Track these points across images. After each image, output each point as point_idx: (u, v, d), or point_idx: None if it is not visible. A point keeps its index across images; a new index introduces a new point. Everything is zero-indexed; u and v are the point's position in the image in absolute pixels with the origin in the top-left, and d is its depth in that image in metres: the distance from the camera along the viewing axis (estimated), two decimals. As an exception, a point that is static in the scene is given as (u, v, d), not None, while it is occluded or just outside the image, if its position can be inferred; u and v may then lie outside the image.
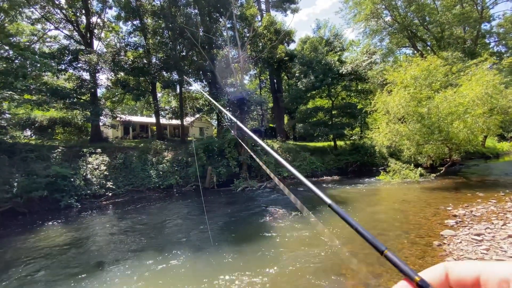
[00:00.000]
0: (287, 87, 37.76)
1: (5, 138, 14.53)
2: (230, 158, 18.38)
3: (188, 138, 27.79)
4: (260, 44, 26.28)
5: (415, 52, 24.93)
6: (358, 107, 25.70)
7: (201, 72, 24.67)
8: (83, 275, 5.45)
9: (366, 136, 31.91)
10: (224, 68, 23.55)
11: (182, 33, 21.55)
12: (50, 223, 10.43)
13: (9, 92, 14.69)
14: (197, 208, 12.28)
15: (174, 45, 23.39)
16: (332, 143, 26.97)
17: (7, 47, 14.88)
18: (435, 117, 14.09)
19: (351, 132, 29.79)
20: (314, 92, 25.43)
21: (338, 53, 30.22)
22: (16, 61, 15.48)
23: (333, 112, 25.63)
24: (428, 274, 0.44)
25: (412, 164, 17.51)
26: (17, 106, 17.13)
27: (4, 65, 13.98)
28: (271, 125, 41.28)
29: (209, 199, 14.39)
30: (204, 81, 27.12)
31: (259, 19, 30.03)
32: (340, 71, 23.94)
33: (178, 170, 18.87)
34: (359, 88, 27.93)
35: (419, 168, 16.65)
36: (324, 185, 16.62)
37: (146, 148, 20.07)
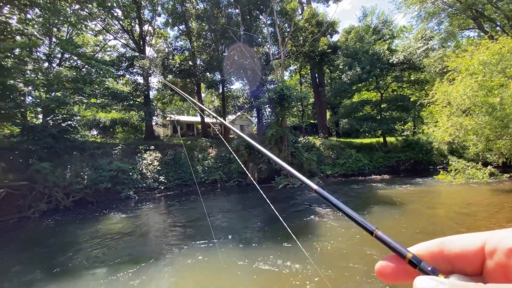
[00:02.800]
0: (329, 81, 36.20)
1: (77, 137, 16.82)
2: (271, 155, 18.40)
3: (230, 136, 28.65)
4: (301, 38, 25.62)
5: (482, 34, 21.51)
6: (411, 99, 23.33)
7: (241, 71, 25.10)
8: (140, 260, 6.00)
9: (420, 131, 28.93)
10: (264, 65, 23.58)
11: (224, 33, 22.20)
12: (113, 211, 11.77)
13: (79, 97, 16.97)
14: (239, 203, 12.60)
15: (217, 46, 24.26)
16: (381, 139, 25.04)
17: (75, 57, 17.13)
18: (510, 107, 11.97)
19: (402, 127, 27.22)
20: (360, 84, 23.85)
21: (388, 41, 27.79)
22: (83, 69, 17.80)
23: (382, 106, 23.70)
24: (420, 249, 0.39)
25: (480, 163, 15.21)
26: (86, 109, 19.66)
27: (74, 73, 16.14)
28: (312, 121, 40.11)
29: (251, 195, 14.63)
30: (244, 79, 27.54)
31: (300, 12, 29.24)
32: (390, 60, 21.96)
33: (221, 166, 19.63)
34: (412, 78, 25.31)
35: (489, 167, 14.39)
36: (373, 185, 15.51)
37: (193, 146, 21.30)
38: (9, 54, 11.23)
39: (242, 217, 9.90)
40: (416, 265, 0.37)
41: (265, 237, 7.41)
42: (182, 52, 25.93)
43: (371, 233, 0.50)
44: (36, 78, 14.25)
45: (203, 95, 33.40)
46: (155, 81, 25.65)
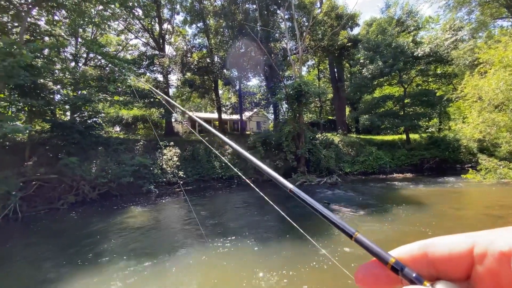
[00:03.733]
0: (349, 75, 35.14)
1: (101, 133, 17.59)
2: (287, 151, 18.20)
3: (247, 132, 28.74)
4: (320, 32, 24.99)
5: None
6: (437, 94, 22.10)
7: (258, 67, 24.96)
8: (157, 252, 6.18)
9: (447, 128, 27.38)
10: (282, 60, 23.28)
11: (241, 30, 22.15)
12: (135, 205, 12.23)
13: (103, 95, 17.70)
14: (255, 199, 12.62)
15: (234, 43, 24.26)
16: (403, 136, 24.00)
17: (99, 57, 17.83)
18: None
19: (427, 124, 25.91)
20: (381, 79, 22.89)
21: (412, 33, 26.40)
22: (107, 68, 18.52)
23: (406, 101, 22.61)
24: (402, 253, 0.37)
25: (514, 162, 14.14)
26: (109, 106, 20.49)
27: (99, 72, 16.83)
28: (330, 117, 39.23)
29: (267, 192, 14.58)
30: (261, 75, 27.39)
31: (319, 5, 28.47)
32: (415, 53, 20.85)
33: (238, 162, 19.74)
34: (439, 71, 23.92)
35: (524, 167, 13.33)
36: (395, 183, 14.92)
37: (210, 142, 21.57)
38: (39, 54, 11.85)
39: (257, 213, 9.91)
40: (399, 271, 0.35)
41: (281, 234, 7.36)
42: (200, 49, 26.24)
43: (350, 236, 0.47)
44: (64, 77, 15.03)
45: (220, 92, 33.68)
46: (174, 78, 26.25)
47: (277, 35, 24.61)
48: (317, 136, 20.51)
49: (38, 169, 12.75)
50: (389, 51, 21.18)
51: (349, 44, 26.34)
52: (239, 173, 2.21)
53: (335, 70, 31.40)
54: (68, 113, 17.12)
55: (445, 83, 24.69)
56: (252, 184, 1.76)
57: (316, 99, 35.18)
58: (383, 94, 26.23)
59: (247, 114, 33.18)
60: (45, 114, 14.96)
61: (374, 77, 22.05)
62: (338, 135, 24.82)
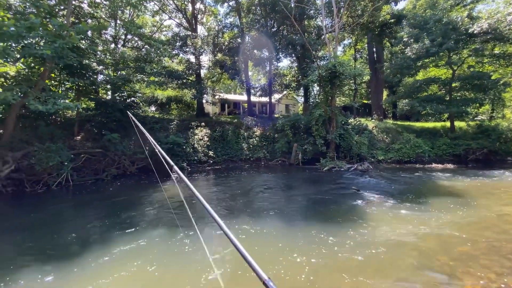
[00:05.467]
0: (389, 56, 32.44)
1: (139, 112, 18.65)
2: (316, 136, 17.74)
3: (275, 115, 28.46)
4: (359, 7, 23.07)
5: None
6: (492, 77, 19.52)
7: (290, 47, 24.05)
8: (190, 225, 6.58)
9: (500, 116, 24.42)
10: (316, 39, 22.11)
11: (274, 7, 21.30)
12: (169, 180, 13.01)
13: (140, 75, 18.56)
14: (282, 181, 12.71)
15: (266, 21, 23.51)
16: (447, 124, 21.95)
17: (136, 38, 18.49)
18: None
19: (477, 111, 23.34)
20: (427, 60, 20.68)
21: (468, 7, 23.16)
22: (143, 49, 19.21)
23: (453, 85, 20.34)
24: None
25: None
26: (146, 86, 21.49)
27: (136, 53, 17.55)
28: (365, 101, 37.12)
29: (294, 175, 14.60)
30: (293, 55, 26.43)
31: (360, -22, 26.05)
32: (470, 30, 18.35)
33: (265, 145, 19.88)
34: (497, 51, 20.93)
35: None
36: (433, 174, 13.93)
37: (239, 124, 21.85)
38: (83, 36, 12.61)
39: (282, 194, 9.99)
40: None
41: (306, 217, 7.39)
42: (232, 29, 25.90)
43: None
44: (105, 58, 15.97)
45: (250, 73, 33.37)
46: (205, 59, 26.50)
47: (312, 11, 23.27)
48: (349, 121, 19.61)
49: (85, 143, 14.09)
50: (438, 28, 18.90)
51: (392, 20, 24.00)
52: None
53: (374, 49, 29.10)
54: (110, 93, 18.35)
55: (504, 65, 21.60)
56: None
57: (351, 81, 33.32)
58: (428, 76, 23.83)
59: (276, 96, 32.67)
60: (90, 93, 16.21)
61: (419, 57, 20.00)
62: (373, 120, 23.50)
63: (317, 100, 20.72)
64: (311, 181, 12.94)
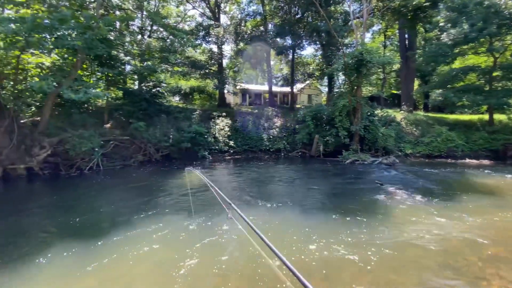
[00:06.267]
0: (423, 42, 30.08)
1: (163, 102, 19.25)
2: (340, 127, 17.15)
3: (297, 106, 27.91)
4: (391, -10, 21.45)
5: None
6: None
7: (315, 34, 23.16)
8: (209, 211, 6.76)
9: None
10: (342, 25, 21.04)
11: (298, -8, 20.50)
12: (191, 168, 13.44)
13: (165, 66, 19.02)
14: (302, 173, 12.55)
15: (290, 8, 22.77)
16: (485, 117, 20.13)
17: (161, 29, 18.84)
18: None
19: (521, 102, 21.14)
20: (465, 46, 18.83)
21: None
22: (168, 40, 19.57)
23: (494, 74, 18.41)
24: None
25: None
26: (170, 76, 22.02)
27: (161, 44, 17.93)
28: (394, 91, 35.09)
29: (315, 167, 14.32)
30: (318, 43, 25.48)
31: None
32: (518, 12, 16.33)
33: (286, 136, 19.66)
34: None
35: None
36: (467, 170, 12.94)
37: (259, 114, 21.76)
38: (112, 28, 13.10)
39: (302, 186, 9.87)
40: None
41: (323, 210, 7.24)
42: (254, 17, 25.44)
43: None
44: (132, 48, 16.53)
45: (272, 62, 32.82)
46: (227, 49, 26.45)
47: (339, -4, 22.10)
48: (376, 112, 18.68)
49: (114, 131, 14.88)
50: (479, 11, 17.00)
51: (427, 4, 22.04)
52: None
53: (406, 36, 27.11)
54: (136, 83, 19.07)
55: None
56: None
57: (379, 70, 31.50)
58: (465, 65, 21.79)
59: (298, 86, 31.93)
60: (119, 83, 16.97)
61: (456, 44, 18.26)
62: (402, 111, 22.18)
63: (341, 89, 19.91)
64: (332, 174, 12.64)
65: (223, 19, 26.31)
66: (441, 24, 19.83)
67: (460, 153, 16.96)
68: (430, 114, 23.42)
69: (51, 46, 8.42)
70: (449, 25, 18.71)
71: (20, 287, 3.78)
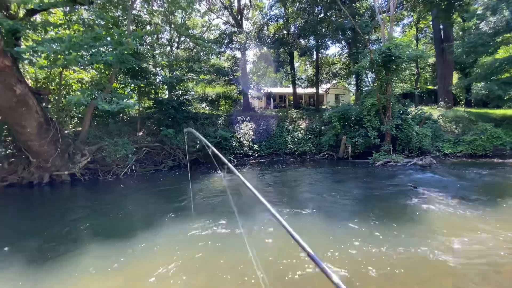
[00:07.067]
0: (460, 33, 27.68)
1: (191, 109, 20.02)
2: (369, 127, 16.34)
3: (323, 106, 27.25)
4: (421, -20, 20.16)
5: None
6: None
7: (339, 32, 22.52)
8: (240, 212, 6.82)
9: None
10: (368, 21, 20.19)
11: (320, -8, 20.17)
12: (218, 172, 13.77)
13: (191, 74, 19.83)
14: (328, 176, 12.15)
15: (312, 9, 22.49)
16: (539, 110, 17.85)
17: (188, 40, 19.73)
18: None
19: None
20: (508, 35, 16.96)
21: None
22: (194, 50, 20.43)
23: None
24: None
25: None
26: (196, 84, 22.89)
27: (188, 54, 18.76)
28: (430, 87, 32.69)
29: (342, 170, 13.79)
30: (343, 41, 24.74)
31: None
32: None
33: (311, 138, 19.25)
34: None
35: None
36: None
37: (284, 117, 21.63)
38: (142, 42, 14.06)
39: (328, 190, 9.54)
40: None
41: (349, 215, 6.91)
42: (276, 20, 25.54)
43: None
44: (162, 60, 17.54)
45: (296, 64, 32.54)
46: (251, 54, 26.83)
47: (363, -8, 21.31)
48: (409, 110, 17.53)
49: (146, 138, 15.81)
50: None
51: (463, -10, 20.32)
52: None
53: (441, 27, 25.18)
54: (166, 92, 20.14)
55: None
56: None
57: (412, 65, 29.57)
58: (510, 54, 19.54)
59: (324, 87, 31.19)
60: (150, 93, 18.07)
61: (497, 32, 16.50)
62: (439, 108, 20.56)
63: (370, 87, 19.01)
64: (361, 177, 12.05)
65: (246, 25, 26.82)
66: (479, 12, 18.15)
67: (508, 152, 15.18)
68: (473, 110, 21.34)
69: (87, 63, 9.32)
70: (489, 12, 17.03)
71: (56, 280, 4.15)
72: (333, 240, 5.26)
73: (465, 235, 5.28)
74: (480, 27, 17.65)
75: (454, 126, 18.12)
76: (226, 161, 2.04)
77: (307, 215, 6.82)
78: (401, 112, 16.79)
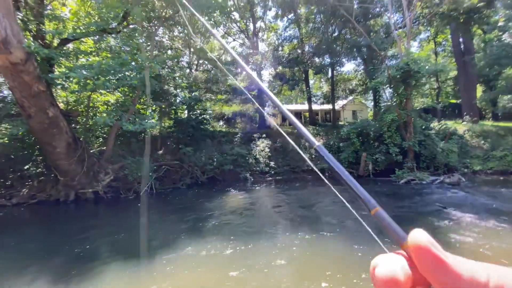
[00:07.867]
0: (482, 45, 26.89)
1: (208, 127, 20.52)
2: (390, 143, 15.82)
3: (340, 123, 26.92)
4: (436, -5, 20.10)
5: None
6: None
7: (355, 49, 22.67)
8: (255, 232, 6.69)
9: None
10: (384, 38, 20.23)
11: (334, 12, 20.64)
12: (234, 189, 13.74)
13: (209, 95, 20.56)
14: (347, 194, 11.71)
15: (326, 28, 22.96)
16: None
17: (206, 62, 20.65)
18: None
19: None
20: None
21: None
22: (212, 71, 21.29)
23: None
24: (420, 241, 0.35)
25: None
26: (214, 104, 23.61)
27: (206, 75, 19.56)
28: (452, 101, 31.52)
29: (364, 188, 13.20)
30: (358, 58, 24.80)
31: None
32: None
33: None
34: None
35: None
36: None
37: (299, 133, 21.51)
38: (164, 66, 14.88)
39: (347, 210, 9.15)
40: None
41: (369, 238, 6.53)
42: (291, 41, 26.24)
43: (369, 210, 0.46)
44: (181, 82, 18.38)
45: (311, 82, 32.81)
46: (266, 74, 27.50)
47: (377, 9, 21.54)
48: (431, 125, 16.89)
49: (166, 156, 16.25)
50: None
51: (481, 4, 19.97)
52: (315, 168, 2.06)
53: (461, 40, 24.65)
54: (185, 111, 20.89)
55: None
56: (326, 181, 1.60)
57: (432, 79, 28.85)
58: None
59: (340, 103, 30.99)
60: (170, 113, 18.81)
61: (524, 42, 15.93)
62: (464, 123, 19.64)
63: (388, 103, 18.64)
64: (384, 195, 11.52)
65: (261, 46, 27.74)
66: (500, 23, 17.70)
67: (547, 168, 14.02)
68: (501, 124, 20.17)
69: (114, 86, 9.98)
70: (511, 23, 16.56)
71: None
72: (360, 264, 4.96)
73: (499, 259, 4.82)
74: (503, 38, 17.11)
75: (482, 141, 17.13)
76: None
77: (329, 237, 6.54)
78: (423, 127, 16.21)
